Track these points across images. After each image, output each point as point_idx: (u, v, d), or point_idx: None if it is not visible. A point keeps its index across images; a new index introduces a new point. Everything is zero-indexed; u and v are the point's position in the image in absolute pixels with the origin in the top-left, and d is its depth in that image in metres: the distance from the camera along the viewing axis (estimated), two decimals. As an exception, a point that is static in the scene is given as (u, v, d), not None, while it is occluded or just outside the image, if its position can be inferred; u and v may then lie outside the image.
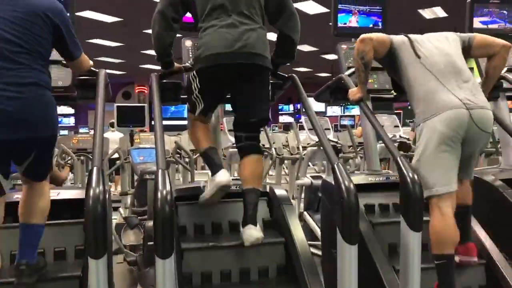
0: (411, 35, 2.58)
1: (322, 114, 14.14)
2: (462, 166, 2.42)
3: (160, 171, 1.98)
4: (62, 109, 20.99)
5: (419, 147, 2.37)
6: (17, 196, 2.33)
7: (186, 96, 2.59)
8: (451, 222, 2.29)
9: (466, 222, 2.54)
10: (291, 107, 22.49)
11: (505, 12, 3.58)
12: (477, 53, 2.61)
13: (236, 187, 2.56)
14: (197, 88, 2.45)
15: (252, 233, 2.30)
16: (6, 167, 2.13)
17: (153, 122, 2.47)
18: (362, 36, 2.49)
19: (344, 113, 13.50)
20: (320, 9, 10.40)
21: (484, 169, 3.62)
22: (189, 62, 2.77)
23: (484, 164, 6.32)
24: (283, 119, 21.21)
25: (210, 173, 2.46)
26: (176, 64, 2.66)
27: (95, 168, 1.90)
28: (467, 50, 2.55)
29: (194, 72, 2.46)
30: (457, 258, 2.44)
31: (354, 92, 2.71)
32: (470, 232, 2.60)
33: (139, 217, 3.75)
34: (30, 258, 2.09)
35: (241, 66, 2.36)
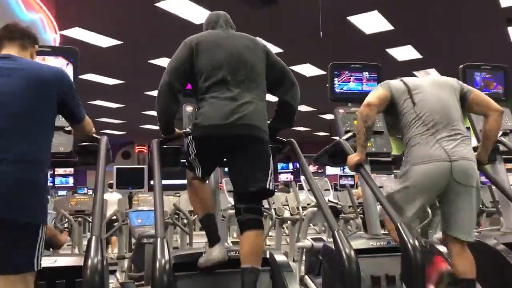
0: (409, 81, 2.64)
1: (321, 174, 14.17)
2: (454, 221, 2.47)
3: (159, 239, 1.96)
4: (61, 170, 21.03)
5: (401, 183, 2.51)
6: None
7: (185, 159, 2.61)
8: None
9: None
10: (290, 165, 22.56)
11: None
12: (471, 108, 2.68)
13: (235, 253, 2.52)
14: (194, 152, 2.48)
15: None
16: None
17: (151, 182, 2.47)
18: (368, 100, 2.58)
19: (343, 172, 13.52)
20: (317, 71, 10.70)
21: (486, 232, 3.58)
22: (189, 127, 2.82)
23: (486, 224, 6.27)
24: (284, 177, 21.21)
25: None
26: (176, 130, 2.70)
27: (93, 238, 1.89)
28: (462, 102, 2.62)
29: (191, 137, 2.50)
30: None
31: (352, 157, 2.74)
32: None
33: (136, 283, 3.66)
34: None
35: (237, 137, 2.39)
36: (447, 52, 9.45)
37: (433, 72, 11.10)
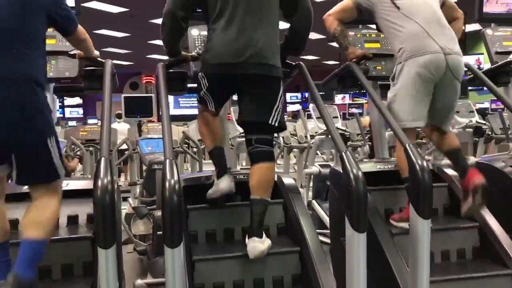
0: None
1: (330, 102, 14.07)
2: (441, 115, 2.66)
3: (167, 161, 1.98)
4: (70, 101, 21.16)
5: (397, 84, 2.61)
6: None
7: (195, 86, 2.57)
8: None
9: (460, 160, 2.67)
10: (299, 95, 22.41)
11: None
12: (446, 12, 2.80)
13: (244, 176, 2.55)
14: (205, 86, 2.42)
15: (256, 245, 2.24)
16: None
17: (160, 113, 2.46)
18: (324, 16, 2.86)
19: (352, 101, 13.44)
20: (327, -4, 10.32)
21: (494, 156, 3.58)
22: (195, 51, 2.76)
23: (494, 150, 6.28)
24: (292, 107, 21.16)
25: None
26: (182, 53, 2.63)
27: (102, 159, 1.90)
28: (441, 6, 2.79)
29: (202, 73, 2.41)
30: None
31: (351, 51, 2.91)
32: (467, 163, 2.69)
33: (148, 207, 3.77)
34: (24, 273, 1.86)
35: (249, 75, 2.32)
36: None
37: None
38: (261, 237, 2.27)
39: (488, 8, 3.46)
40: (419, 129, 5.40)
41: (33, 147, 1.94)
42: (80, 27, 2.25)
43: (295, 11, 2.47)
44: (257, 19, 2.33)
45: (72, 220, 2.57)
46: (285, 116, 14.30)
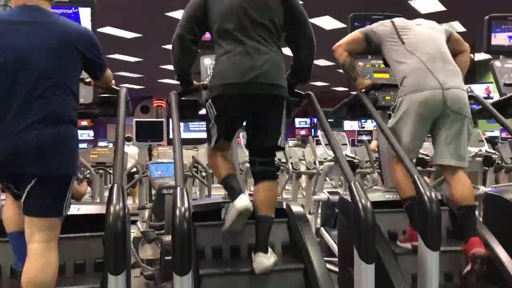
0: (397, 21, 2.83)
1: (340, 129, 14.10)
2: (450, 152, 2.61)
3: (178, 188, 2.01)
4: (81, 122, 21.36)
5: (396, 116, 2.67)
6: None
7: (204, 115, 2.58)
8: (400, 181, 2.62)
9: (471, 222, 2.54)
10: (308, 120, 22.47)
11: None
12: (452, 46, 2.85)
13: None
14: (214, 115, 2.42)
15: (263, 261, 2.28)
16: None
17: (171, 136, 2.49)
18: (333, 47, 2.91)
19: (361, 127, 13.45)
20: (336, 24, 10.45)
21: (504, 186, 3.56)
22: (207, 80, 2.81)
23: (504, 180, 6.24)
24: (301, 133, 21.19)
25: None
26: (194, 82, 2.68)
27: (115, 185, 1.94)
28: (446, 41, 2.83)
29: (210, 101, 2.42)
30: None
31: (359, 81, 2.97)
32: (476, 228, 2.58)
33: (156, 232, 3.77)
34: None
35: (256, 96, 2.35)
36: (472, 3, 9.11)
37: (456, 25, 10.76)
38: (266, 252, 2.32)
39: (496, 41, 3.51)
40: (428, 158, 5.43)
41: (58, 180, 1.96)
42: (108, 71, 2.34)
43: (296, 37, 2.50)
44: (261, 43, 2.36)
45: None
46: (294, 141, 14.35)
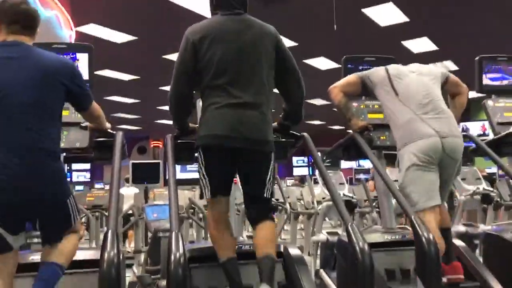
0: (390, 68, 2.87)
1: (336, 168, 14.11)
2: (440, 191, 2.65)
3: (173, 233, 1.99)
4: (77, 165, 21.28)
5: (402, 170, 2.66)
6: (34, 257, 2.32)
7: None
8: (434, 232, 2.41)
9: (448, 243, 2.63)
10: (305, 159, 22.49)
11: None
12: (449, 88, 2.94)
13: (249, 247, 2.54)
14: (203, 166, 2.40)
15: None
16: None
17: (167, 177, 2.49)
18: (329, 88, 2.97)
19: (359, 166, 13.46)
20: (331, 64, 10.64)
21: (504, 225, 3.54)
22: None
23: (504, 217, 6.19)
24: (298, 171, 21.15)
25: None
26: (190, 125, 2.69)
27: (110, 232, 1.92)
28: (443, 85, 2.89)
29: (200, 151, 2.41)
30: (444, 279, 2.52)
31: (354, 122, 3.01)
32: (453, 252, 2.69)
33: (152, 276, 3.70)
34: None
35: (242, 149, 2.34)
36: (464, 43, 9.32)
37: (448, 64, 10.96)
38: (272, 287, 2.24)
39: (487, 81, 3.57)
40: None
41: (55, 209, 2.04)
42: (94, 103, 2.34)
43: (285, 84, 2.53)
44: (251, 93, 2.36)
45: None
46: (291, 181, 14.30)
